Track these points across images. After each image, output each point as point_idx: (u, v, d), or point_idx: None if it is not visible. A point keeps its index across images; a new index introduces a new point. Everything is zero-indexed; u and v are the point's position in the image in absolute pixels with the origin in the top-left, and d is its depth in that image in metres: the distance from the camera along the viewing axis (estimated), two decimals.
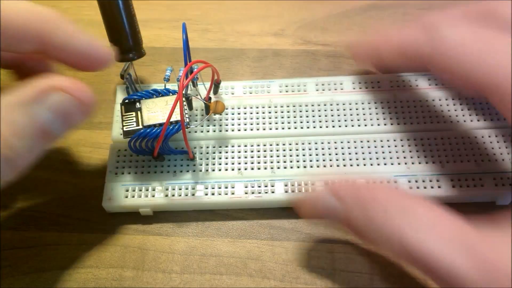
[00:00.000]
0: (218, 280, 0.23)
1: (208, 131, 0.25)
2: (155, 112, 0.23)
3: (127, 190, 0.24)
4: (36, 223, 0.24)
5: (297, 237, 0.24)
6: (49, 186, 0.25)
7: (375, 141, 0.25)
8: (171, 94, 0.24)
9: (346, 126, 0.25)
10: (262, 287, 0.22)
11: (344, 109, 0.26)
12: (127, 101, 0.24)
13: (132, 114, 0.24)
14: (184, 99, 0.24)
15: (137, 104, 0.24)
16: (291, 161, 0.24)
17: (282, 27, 0.31)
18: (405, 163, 0.24)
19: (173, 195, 0.24)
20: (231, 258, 0.23)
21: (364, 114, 0.25)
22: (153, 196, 0.24)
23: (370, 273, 0.23)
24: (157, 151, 0.23)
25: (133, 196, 0.24)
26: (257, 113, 0.26)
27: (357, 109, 0.26)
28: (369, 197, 0.20)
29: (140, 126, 0.23)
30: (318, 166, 0.24)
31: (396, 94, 0.26)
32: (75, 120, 0.20)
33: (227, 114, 0.26)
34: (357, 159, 0.24)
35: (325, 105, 0.26)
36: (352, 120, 0.25)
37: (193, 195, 0.24)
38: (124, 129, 0.23)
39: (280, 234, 0.24)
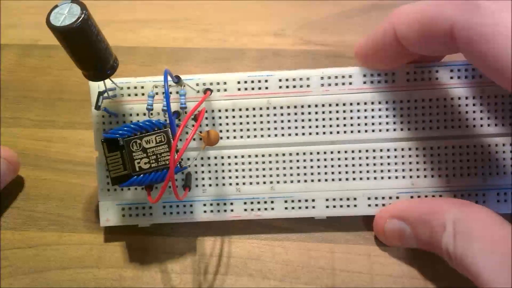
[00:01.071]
0: (218, 280, 0.23)
1: (200, 139, 0.23)
2: (143, 154, 0.21)
3: (123, 209, 0.23)
4: (36, 223, 0.24)
5: (297, 237, 0.24)
6: (49, 186, 0.25)
7: (381, 150, 0.23)
8: (156, 128, 0.21)
9: (352, 132, 0.23)
10: (262, 287, 0.22)
11: (351, 111, 0.23)
12: (108, 138, 0.21)
13: (117, 155, 0.21)
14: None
15: (120, 141, 0.21)
16: (291, 175, 0.23)
17: (282, 27, 0.31)
18: (410, 176, 0.23)
19: (171, 213, 0.23)
20: (231, 258, 0.23)
21: (373, 117, 0.23)
22: (151, 214, 0.23)
23: (370, 273, 0.23)
24: (158, 200, 0.21)
25: (131, 215, 0.23)
26: (254, 116, 0.23)
27: (365, 110, 0.23)
28: (429, 211, 0.21)
29: (128, 171, 0.21)
30: (319, 180, 0.23)
31: (411, 93, 0.23)
32: (8, 179, 0.24)
33: (220, 118, 0.24)
34: (360, 172, 0.23)
35: (330, 105, 0.23)
36: (359, 125, 0.23)
37: (191, 212, 0.23)
38: (112, 176, 0.21)
39: (280, 234, 0.24)
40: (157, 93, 0.23)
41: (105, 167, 0.23)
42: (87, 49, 0.19)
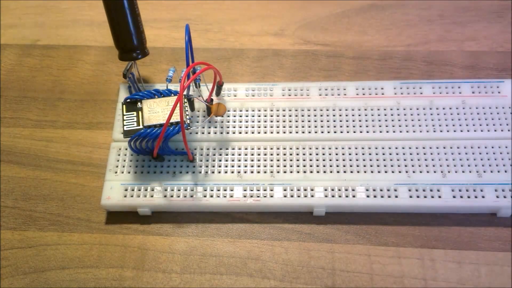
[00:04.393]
0: (218, 280, 0.23)
1: (209, 133, 0.25)
2: (156, 112, 0.23)
3: (126, 190, 0.24)
4: (36, 223, 0.24)
5: (297, 237, 0.24)
6: (49, 186, 0.25)
7: (376, 148, 0.25)
8: (172, 95, 0.24)
9: (348, 132, 0.25)
10: (262, 287, 0.22)
11: (346, 115, 0.26)
12: (128, 100, 0.24)
13: (133, 114, 0.24)
14: (185, 100, 0.24)
15: (139, 104, 0.24)
16: (291, 166, 0.24)
17: (282, 27, 0.31)
18: (406, 171, 0.24)
19: (172, 196, 0.24)
20: (231, 258, 0.23)
21: (366, 121, 0.25)
22: (152, 196, 0.24)
23: (370, 273, 0.23)
24: (156, 151, 0.23)
25: (132, 196, 0.24)
26: (259, 116, 0.26)
27: (359, 115, 0.25)
28: None
29: (141, 126, 0.23)
30: (318, 172, 0.24)
31: (399, 101, 0.26)
32: None
33: (228, 116, 0.26)
34: (357, 166, 0.24)
35: (327, 110, 0.26)
36: (354, 126, 0.25)
37: (191, 196, 0.24)
38: (125, 129, 0.23)
39: (280, 234, 0.24)
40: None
41: (121, 123, 0.24)
42: (128, 19, 0.24)
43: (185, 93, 0.23)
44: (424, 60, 0.28)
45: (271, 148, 0.25)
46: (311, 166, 0.24)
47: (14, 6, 0.32)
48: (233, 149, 0.25)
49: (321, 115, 0.26)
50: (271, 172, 0.24)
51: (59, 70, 0.29)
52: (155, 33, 0.30)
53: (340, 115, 0.26)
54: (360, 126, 0.25)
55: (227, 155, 0.25)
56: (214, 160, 0.25)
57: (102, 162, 0.26)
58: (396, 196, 0.23)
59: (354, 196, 0.23)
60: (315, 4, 0.31)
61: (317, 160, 0.24)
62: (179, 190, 0.24)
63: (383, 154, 0.24)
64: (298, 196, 0.24)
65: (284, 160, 0.25)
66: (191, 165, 0.24)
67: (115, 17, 0.24)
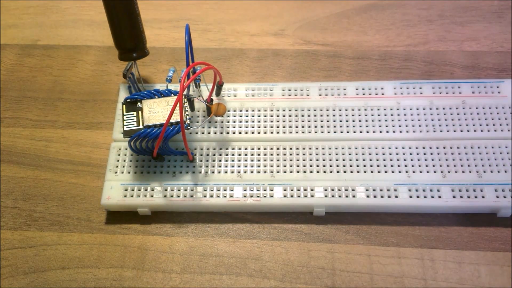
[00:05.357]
0: (218, 280, 0.23)
1: (209, 133, 0.25)
2: (156, 112, 0.23)
3: (126, 189, 0.24)
4: (36, 223, 0.24)
5: (297, 237, 0.24)
6: (49, 186, 0.25)
7: (376, 148, 0.25)
8: (172, 95, 0.24)
9: (348, 132, 0.25)
10: (262, 287, 0.22)
11: (346, 115, 0.26)
12: (128, 100, 0.24)
13: (133, 114, 0.24)
14: (185, 100, 0.24)
15: (139, 104, 0.24)
16: (291, 166, 0.24)
17: (282, 27, 0.31)
18: (406, 171, 0.24)
19: (172, 196, 0.24)
20: (231, 258, 0.23)
21: (366, 121, 0.25)
22: (152, 196, 0.24)
23: (370, 273, 0.23)
24: (156, 151, 0.23)
25: (132, 196, 0.24)
26: (259, 116, 0.26)
27: (359, 115, 0.25)
28: None
29: (141, 126, 0.23)
30: (318, 172, 0.24)
31: (399, 101, 0.26)
32: None
33: (228, 117, 0.26)
34: (357, 166, 0.24)
35: (327, 110, 0.26)
36: (354, 127, 0.25)
37: (191, 196, 0.24)
38: (125, 129, 0.23)
39: (280, 234, 0.24)
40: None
41: (121, 124, 0.24)
42: (128, 19, 0.24)
43: (185, 93, 0.23)
44: (424, 60, 0.29)
45: (271, 148, 0.25)
46: (311, 166, 0.24)
47: (14, 6, 0.32)
48: (233, 149, 0.25)
49: (321, 115, 0.26)
50: (271, 172, 0.24)
51: (59, 70, 0.29)
52: (155, 33, 0.30)
53: (340, 115, 0.26)
54: (360, 126, 0.25)
55: (227, 155, 0.25)
56: (214, 160, 0.25)
57: (102, 162, 0.26)
58: (396, 196, 0.23)
59: (354, 196, 0.23)
60: (315, 4, 0.31)
61: (317, 160, 0.24)
62: (179, 190, 0.24)
63: (383, 154, 0.24)
64: (298, 196, 0.24)
65: (284, 160, 0.25)
66: (191, 165, 0.25)
67: (115, 17, 0.24)
